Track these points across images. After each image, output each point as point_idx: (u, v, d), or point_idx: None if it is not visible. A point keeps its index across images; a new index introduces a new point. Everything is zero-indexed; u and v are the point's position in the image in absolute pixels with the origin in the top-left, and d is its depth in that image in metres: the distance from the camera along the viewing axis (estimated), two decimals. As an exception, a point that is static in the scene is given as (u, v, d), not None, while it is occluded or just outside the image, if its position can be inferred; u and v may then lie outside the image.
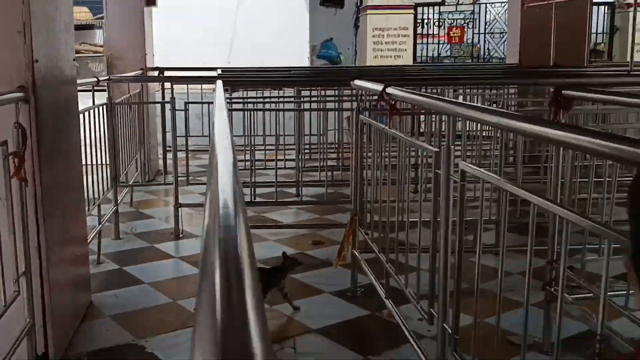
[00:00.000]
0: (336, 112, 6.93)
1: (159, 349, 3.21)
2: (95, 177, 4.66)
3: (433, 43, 12.02)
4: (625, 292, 2.76)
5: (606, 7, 11.14)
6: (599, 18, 11.36)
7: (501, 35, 10.93)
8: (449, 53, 12.36)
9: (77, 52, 8.67)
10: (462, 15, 11.89)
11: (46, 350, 2.98)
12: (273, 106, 7.22)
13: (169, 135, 5.84)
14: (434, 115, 4.76)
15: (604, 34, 11.52)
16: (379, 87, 3.22)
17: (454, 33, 11.50)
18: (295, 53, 11.11)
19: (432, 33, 11.94)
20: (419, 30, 11.72)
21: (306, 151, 7.12)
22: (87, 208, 4.14)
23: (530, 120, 2.00)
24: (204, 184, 6.19)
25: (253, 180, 5.40)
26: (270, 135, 6.37)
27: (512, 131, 2.35)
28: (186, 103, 5.77)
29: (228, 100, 6.64)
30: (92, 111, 4.66)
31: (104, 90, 5.48)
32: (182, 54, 9.84)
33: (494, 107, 5.72)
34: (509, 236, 4.34)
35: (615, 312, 2.76)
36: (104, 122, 5.04)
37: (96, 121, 4.78)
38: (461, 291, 2.32)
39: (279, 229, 5.43)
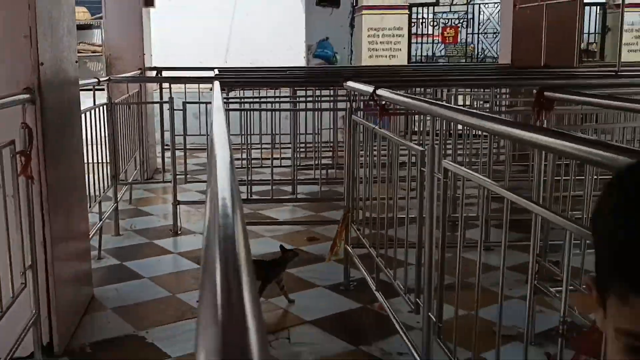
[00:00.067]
0: (331, 112, 7.06)
1: (159, 339, 3.35)
2: (96, 175, 4.80)
3: (427, 43, 12.15)
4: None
5: (598, 7, 11.27)
6: (591, 18, 11.50)
7: (494, 35, 11.07)
8: (443, 53, 12.49)
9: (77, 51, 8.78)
10: (456, 16, 12.02)
11: (51, 341, 3.12)
12: (269, 106, 7.35)
13: (167, 134, 5.97)
14: (424, 116, 4.89)
15: (596, 34, 11.66)
16: (369, 88, 3.36)
17: (447, 33, 11.64)
18: (292, 52, 11.24)
19: (426, 33, 12.07)
20: (414, 30, 11.86)
21: (301, 150, 7.25)
22: (88, 205, 4.27)
23: (506, 123, 2.15)
24: (202, 181, 6.35)
25: (249, 178, 5.54)
26: (267, 134, 6.51)
27: (490, 132, 2.48)
28: (184, 103, 5.89)
29: (225, 100, 6.77)
30: (93, 111, 4.80)
31: (103, 90, 5.62)
32: (180, 54, 9.95)
33: (486, 106, 5.87)
34: (497, 232, 4.51)
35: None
36: (104, 121, 5.17)
37: (96, 121, 4.92)
38: (444, 283, 2.46)
39: (275, 225, 5.57)
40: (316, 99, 7.17)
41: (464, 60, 11.89)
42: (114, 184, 5.35)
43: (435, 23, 11.98)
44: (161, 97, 7.32)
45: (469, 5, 11.99)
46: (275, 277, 3.76)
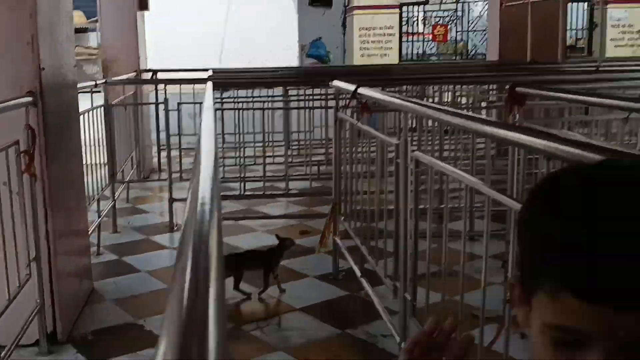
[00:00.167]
0: (322, 110, 7.26)
1: (156, 327, 3.54)
2: (94, 175, 4.99)
3: (419, 41, 12.36)
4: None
5: (585, 4, 11.49)
6: (578, 15, 11.73)
7: (483, 33, 11.26)
8: (434, 50, 12.69)
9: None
10: (446, 14, 12.23)
11: (54, 329, 3.31)
12: (263, 105, 7.54)
13: (163, 134, 6.15)
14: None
15: (584, 30, 11.88)
16: (351, 87, 3.55)
17: (438, 31, 11.85)
18: (285, 52, 11.43)
19: (417, 32, 12.27)
20: (405, 29, 12.06)
21: (294, 147, 7.45)
22: (87, 203, 4.46)
23: (466, 117, 2.34)
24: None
25: (243, 175, 5.73)
26: (260, 132, 6.70)
27: (453, 126, 2.66)
28: (179, 104, 6.09)
29: (219, 100, 6.98)
30: (90, 113, 4.99)
31: (100, 92, 5.80)
32: (175, 56, 10.13)
33: (470, 101, 6.04)
34: (479, 222, 4.70)
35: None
36: (101, 122, 5.36)
37: (94, 122, 5.11)
38: (417, 269, 2.66)
39: (268, 219, 5.76)
40: (308, 97, 7.36)
41: (455, 58, 12.10)
42: (111, 182, 5.54)
43: (426, 22, 12.19)
44: (157, 99, 7.50)
45: (459, 4, 12.19)
46: (277, 264, 3.97)
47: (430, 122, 4.81)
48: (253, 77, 7.60)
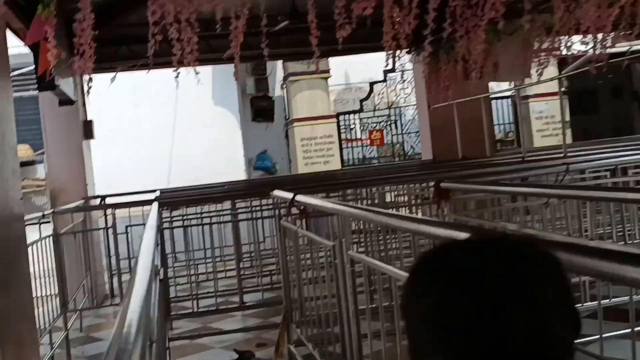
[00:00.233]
0: (271, 220, 7.43)
1: None
2: (45, 305, 4.98)
3: (358, 146, 12.90)
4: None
5: (510, 99, 12.28)
6: (504, 110, 12.51)
7: (417, 134, 11.85)
8: (375, 154, 13.23)
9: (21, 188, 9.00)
10: (381, 119, 12.87)
11: None
12: (211, 220, 7.68)
13: (114, 259, 6.18)
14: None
15: (511, 124, 12.63)
16: (289, 195, 3.76)
17: (374, 136, 12.44)
18: (232, 167, 11.74)
19: (356, 137, 12.84)
20: (344, 135, 12.61)
21: (246, 259, 7.55)
22: (38, 336, 4.44)
23: (400, 218, 2.54)
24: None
25: (195, 293, 5.77)
26: (209, 248, 6.80)
27: (389, 227, 2.87)
28: (127, 227, 6.19)
29: (169, 219, 7.09)
30: (39, 243, 5.05)
31: (49, 222, 5.87)
32: (123, 180, 10.28)
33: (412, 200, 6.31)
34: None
35: None
36: (50, 252, 5.40)
37: (43, 252, 5.16)
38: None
39: (224, 335, 5.76)
40: (255, 208, 7.55)
41: (394, 159, 12.64)
42: (63, 312, 5.50)
43: (363, 127, 12.79)
44: (106, 224, 7.57)
45: (391, 109, 12.87)
46: None
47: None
48: (201, 193, 7.78)
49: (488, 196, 4.36)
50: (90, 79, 4.64)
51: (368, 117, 12.88)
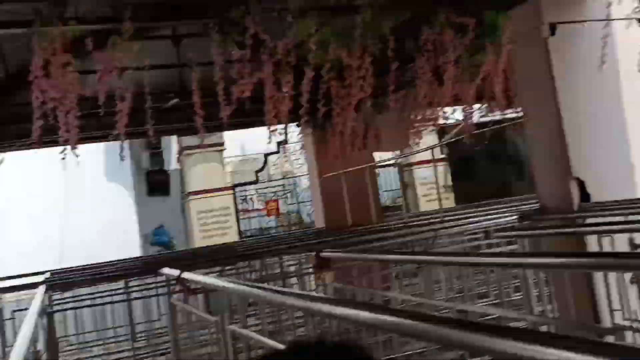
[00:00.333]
0: (167, 296, 7.37)
1: None
2: None
3: (256, 217, 13.06)
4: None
5: (397, 167, 12.88)
6: (391, 177, 13.11)
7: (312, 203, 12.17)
8: (274, 223, 13.43)
9: None
10: (276, 189, 13.15)
11: None
12: (106, 299, 7.52)
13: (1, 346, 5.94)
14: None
15: (399, 190, 13.22)
16: (176, 272, 3.84)
17: (270, 206, 12.66)
18: (127, 243, 11.56)
19: (254, 208, 13.01)
20: (242, 206, 12.75)
21: (142, 338, 7.41)
22: None
23: (280, 293, 2.71)
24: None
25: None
26: (101, 330, 6.67)
27: (270, 304, 3.02)
28: (14, 311, 5.98)
29: (60, 300, 6.90)
30: None
31: None
32: (12, 262, 9.91)
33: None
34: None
35: None
36: None
37: None
38: None
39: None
40: (149, 286, 7.47)
41: (292, 229, 12.86)
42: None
43: (260, 198, 13.00)
44: (-9, 309, 7.25)
45: (287, 179, 13.19)
46: None
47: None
48: (93, 273, 7.62)
49: (372, 262, 4.61)
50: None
51: (264, 188, 13.12)
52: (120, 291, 7.85)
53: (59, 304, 6.51)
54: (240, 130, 9.40)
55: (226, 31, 4.88)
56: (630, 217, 3.46)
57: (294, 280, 6.03)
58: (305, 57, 4.98)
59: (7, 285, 7.75)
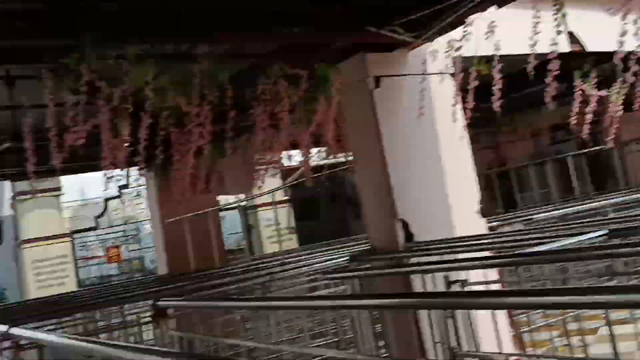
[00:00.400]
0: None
1: None
2: None
3: (97, 264, 12.58)
4: None
5: (241, 210, 12.99)
6: (237, 220, 13.19)
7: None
8: (116, 271, 12.99)
9: None
10: (118, 235, 12.78)
11: None
12: None
13: None
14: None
15: (244, 233, 13.32)
16: (4, 328, 3.66)
17: (112, 253, 12.27)
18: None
19: (95, 255, 12.53)
20: (82, 253, 12.22)
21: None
22: None
23: (112, 346, 2.68)
24: None
25: None
26: None
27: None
28: None
29: None
30: None
31: None
32: None
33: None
34: None
35: None
36: None
37: None
38: None
39: None
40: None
41: (135, 275, 12.50)
42: None
43: (100, 244, 12.54)
44: None
45: (129, 225, 12.87)
46: None
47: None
48: None
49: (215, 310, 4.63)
50: None
51: (105, 234, 12.69)
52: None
53: None
54: (78, 174, 9.10)
55: (61, 75, 4.80)
56: (445, 257, 3.80)
57: (136, 329, 5.89)
58: (143, 103, 4.99)
59: None
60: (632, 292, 1.58)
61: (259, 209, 12.17)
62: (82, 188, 13.18)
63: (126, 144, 5.17)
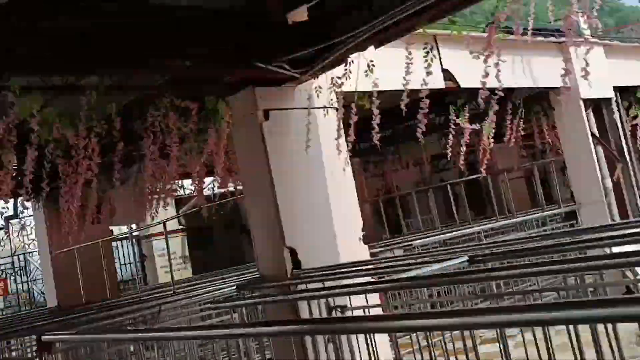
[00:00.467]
0: None
1: None
2: None
3: (-20, 299, 11.97)
4: None
5: (134, 240, 12.74)
6: (130, 250, 12.92)
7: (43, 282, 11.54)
8: (2, 304, 12.40)
9: None
10: (5, 267, 12.24)
11: None
12: None
13: None
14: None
15: (137, 263, 13.06)
16: None
17: (-2, 286, 11.74)
18: None
19: (-22, 289, 11.92)
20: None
21: None
22: None
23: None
24: None
25: None
26: None
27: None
28: None
29: None
30: None
31: None
32: None
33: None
34: None
35: None
36: None
37: None
38: None
39: None
40: None
41: (23, 308, 11.98)
42: None
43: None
44: None
45: (17, 256, 12.36)
46: None
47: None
48: None
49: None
50: None
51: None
52: None
53: None
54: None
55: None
56: (327, 284, 3.98)
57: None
58: (29, 135, 4.93)
59: None
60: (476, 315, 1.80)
61: (153, 238, 12.01)
62: (-35, 219, 12.55)
63: (11, 176, 5.09)
